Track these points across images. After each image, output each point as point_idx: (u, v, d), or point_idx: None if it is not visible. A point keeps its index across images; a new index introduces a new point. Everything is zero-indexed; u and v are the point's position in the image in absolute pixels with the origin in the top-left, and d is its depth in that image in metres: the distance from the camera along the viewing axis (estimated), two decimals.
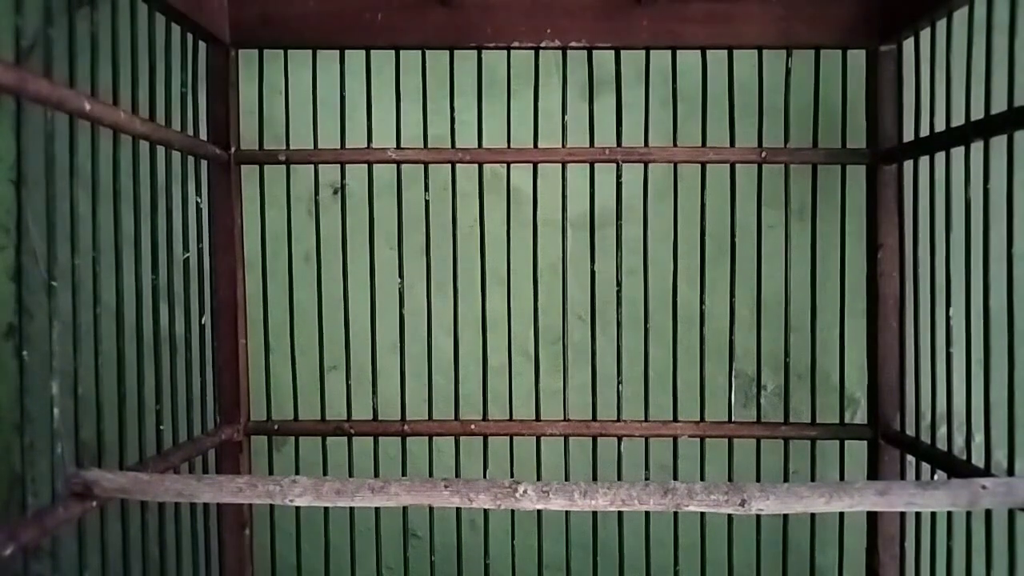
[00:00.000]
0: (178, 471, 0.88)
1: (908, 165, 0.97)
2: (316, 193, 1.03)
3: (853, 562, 1.01)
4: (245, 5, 1.01)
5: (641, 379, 1.01)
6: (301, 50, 1.02)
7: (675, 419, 1.02)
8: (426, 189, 1.01)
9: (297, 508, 1.00)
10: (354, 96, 1.02)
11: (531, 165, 1.01)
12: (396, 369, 1.03)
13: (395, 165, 1.01)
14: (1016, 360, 0.79)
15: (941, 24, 0.90)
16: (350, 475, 1.01)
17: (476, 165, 1.01)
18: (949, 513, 0.85)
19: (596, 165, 1.01)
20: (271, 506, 1.02)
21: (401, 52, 1.01)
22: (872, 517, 1.00)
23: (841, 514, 1.01)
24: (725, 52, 1.00)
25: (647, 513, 1.00)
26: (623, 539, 1.01)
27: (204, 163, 0.99)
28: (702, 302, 1.01)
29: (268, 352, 1.04)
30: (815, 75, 1.00)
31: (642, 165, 1.00)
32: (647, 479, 1.01)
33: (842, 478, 1.01)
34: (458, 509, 0.74)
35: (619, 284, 1.01)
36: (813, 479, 1.02)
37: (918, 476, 0.96)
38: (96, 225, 0.76)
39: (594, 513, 1.01)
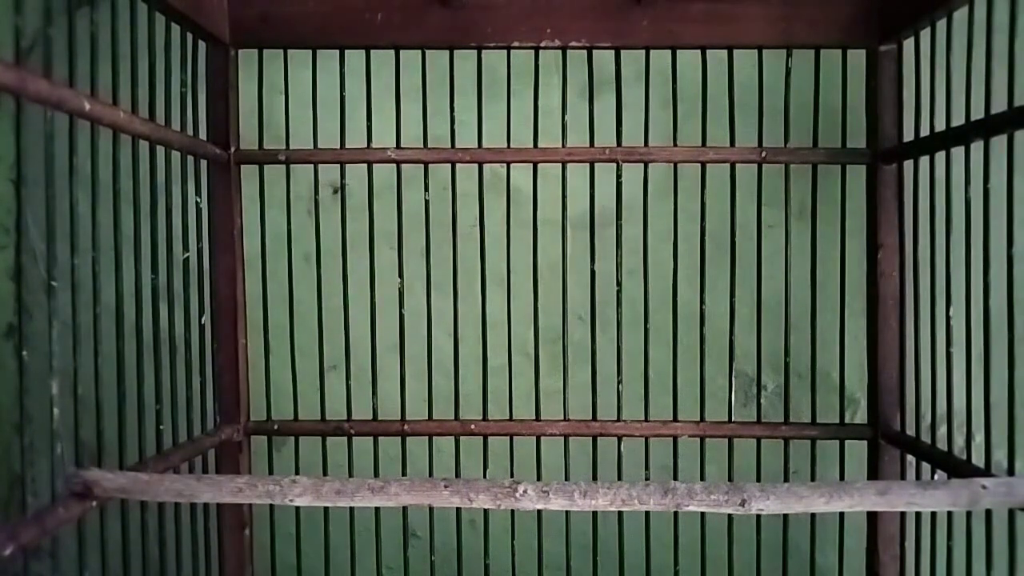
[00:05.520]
0: (178, 471, 0.88)
1: (908, 165, 0.97)
2: (316, 193, 1.03)
3: (853, 562, 1.01)
4: (245, 5, 1.01)
5: (641, 379, 1.01)
6: (301, 50, 1.02)
7: (675, 419, 1.02)
8: (426, 189, 1.01)
9: (297, 508, 1.00)
10: (354, 96, 1.02)
11: (531, 165, 1.01)
12: (396, 369, 1.03)
13: (395, 165, 1.01)
14: (1016, 360, 0.79)
15: (941, 24, 0.90)
16: (350, 475, 1.01)
17: (476, 165, 1.01)
18: (949, 513, 0.85)
19: (596, 165, 1.01)
20: (271, 506, 1.02)
21: (401, 52, 1.01)
22: (872, 517, 1.00)
23: (841, 514, 1.01)
24: (725, 52, 1.00)
25: (647, 513, 1.00)
26: (623, 539, 1.01)
27: (204, 163, 0.99)
28: (702, 302, 1.01)
29: (268, 352, 1.04)
30: (815, 75, 1.00)
31: (642, 165, 1.00)
32: (647, 479, 1.01)
33: (842, 478, 1.01)
34: (458, 509, 0.74)
35: (619, 284, 1.01)
36: (813, 479, 1.02)
37: (918, 476, 0.96)
38: (96, 225, 0.76)
39: (594, 513, 1.01)
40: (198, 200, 0.98)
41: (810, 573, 1.02)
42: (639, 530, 1.01)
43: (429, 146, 1.01)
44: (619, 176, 1.00)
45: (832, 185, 1.02)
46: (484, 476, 1.01)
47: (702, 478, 1.01)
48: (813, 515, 1.00)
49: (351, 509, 1.01)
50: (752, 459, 1.01)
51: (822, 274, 1.01)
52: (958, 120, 0.85)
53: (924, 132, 0.91)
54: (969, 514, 0.82)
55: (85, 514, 0.70)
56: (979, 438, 0.83)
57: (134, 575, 0.82)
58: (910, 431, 0.99)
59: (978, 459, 0.84)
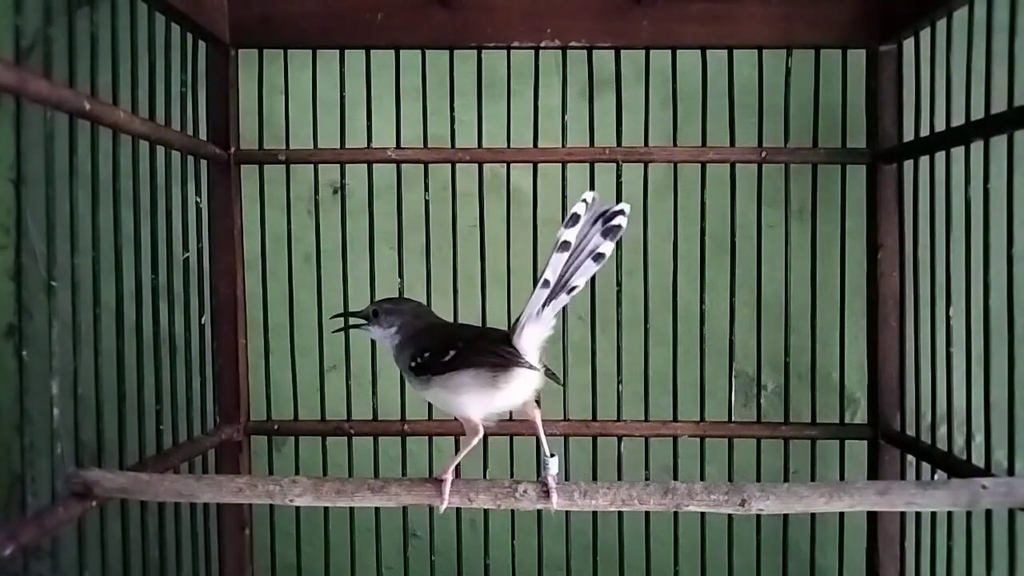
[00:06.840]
0: (178, 471, 0.88)
1: (908, 165, 0.97)
2: (316, 193, 1.03)
3: (853, 562, 1.01)
4: (245, 5, 1.01)
5: (641, 379, 1.01)
6: (301, 50, 1.02)
7: (675, 419, 1.02)
8: (426, 189, 1.01)
9: (297, 508, 0.99)
10: (354, 96, 1.02)
11: (531, 165, 1.01)
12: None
13: (395, 165, 1.01)
14: (1016, 360, 0.79)
15: (941, 24, 0.90)
16: (350, 475, 1.01)
17: (476, 165, 1.01)
18: (949, 513, 0.85)
19: (596, 165, 1.01)
20: (271, 506, 1.02)
21: (401, 52, 1.01)
22: (872, 517, 1.00)
23: (841, 514, 1.01)
24: (725, 52, 1.00)
25: (647, 513, 1.00)
26: (623, 539, 1.01)
27: (204, 163, 0.99)
28: (702, 302, 1.01)
29: (268, 352, 1.03)
30: (815, 75, 1.00)
31: (642, 165, 1.00)
32: (647, 479, 1.01)
33: (842, 478, 1.01)
34: (458, 509, 0.74)
35: (619, 284, 1.01)
36: (813, 479, 1.02)
37: (918, 476, 0.96)
38: (96, 225, 0.76)
39: (594, 513, 1.01)
40: (198, 200, 0.98)
41: (810, 573, 1.02)
42: (639, 530, 1.01)
43: (429, 146, 1.01)
44: (619, 176, 1.00)
45: (832, 185, 1.01)
46: (484, 476, 1.01)
47: (702, 478, 1.01)
48: (813, 515, 1.00)
49: (351, 509, 1.01)
50: (752, 459, 1.01)
51: (822, 274, 1.01)
52: (958, 120, 0.85)
53: (924, 132, 0.91)
54: (969, 514, 0.82)
55: (85, 514, 0.70)
56: (979, 438, 0.83)
57: (134, 575, 0.82)
58: (910, 431, 0.99)
59: (978, 459, 0.84)
